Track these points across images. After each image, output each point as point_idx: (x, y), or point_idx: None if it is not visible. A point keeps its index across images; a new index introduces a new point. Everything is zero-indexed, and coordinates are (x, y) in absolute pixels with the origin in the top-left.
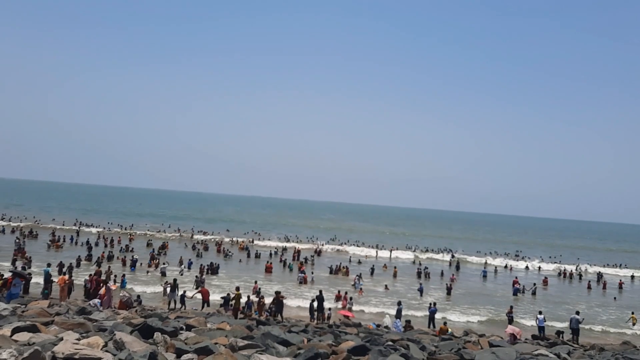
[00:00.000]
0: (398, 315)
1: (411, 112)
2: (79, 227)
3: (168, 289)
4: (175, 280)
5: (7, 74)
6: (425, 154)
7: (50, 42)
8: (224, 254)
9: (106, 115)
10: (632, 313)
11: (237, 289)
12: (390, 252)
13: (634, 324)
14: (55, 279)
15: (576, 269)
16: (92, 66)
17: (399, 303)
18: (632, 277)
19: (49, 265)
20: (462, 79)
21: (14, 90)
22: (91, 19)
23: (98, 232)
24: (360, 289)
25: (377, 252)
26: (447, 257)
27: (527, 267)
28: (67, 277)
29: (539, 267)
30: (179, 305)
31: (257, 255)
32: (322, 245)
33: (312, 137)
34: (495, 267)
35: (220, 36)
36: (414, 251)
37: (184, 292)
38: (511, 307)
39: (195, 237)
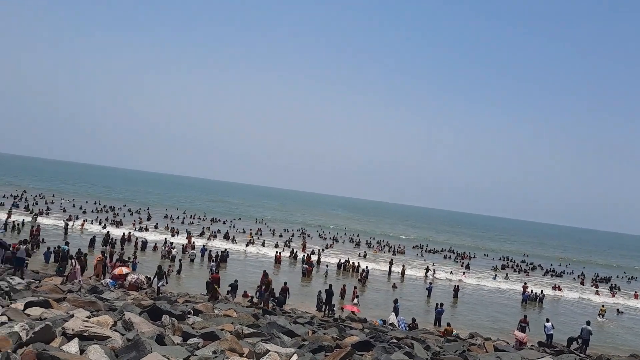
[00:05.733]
0: (396, 313)
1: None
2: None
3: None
4: (160, 267)
5: None
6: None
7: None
8: (232, 241)
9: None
10: (602, 306)
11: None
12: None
13: (602, 315)
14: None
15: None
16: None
17: (396, 301)
18: None
19: (67, 243)
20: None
21: None
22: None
23: (115, 214)
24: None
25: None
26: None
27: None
28: (101, 255)
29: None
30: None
31: (263, 245)
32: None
33: (326, 131)
34: (507, 274)
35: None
36: (423, 249)
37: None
38: (525, 317)
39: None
